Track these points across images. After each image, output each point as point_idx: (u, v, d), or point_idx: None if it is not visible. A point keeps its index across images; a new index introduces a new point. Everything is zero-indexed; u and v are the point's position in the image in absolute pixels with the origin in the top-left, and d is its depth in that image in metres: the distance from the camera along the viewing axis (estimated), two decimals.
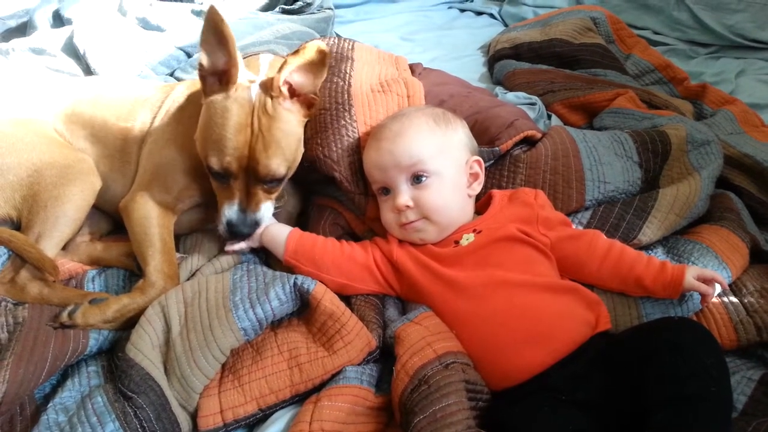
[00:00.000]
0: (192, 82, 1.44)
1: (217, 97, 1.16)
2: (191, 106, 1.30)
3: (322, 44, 1.15)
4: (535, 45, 2.09)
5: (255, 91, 1.17)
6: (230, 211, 1.19)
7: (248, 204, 1.19)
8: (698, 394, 0.80)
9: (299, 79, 1.19)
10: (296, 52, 1.14)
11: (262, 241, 1.23)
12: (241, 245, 1.24)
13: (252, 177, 1.17)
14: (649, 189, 1.29)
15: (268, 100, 1.16)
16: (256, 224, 1.20)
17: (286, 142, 1.18)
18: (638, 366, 0.87)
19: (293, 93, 1.21)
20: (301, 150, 1.26)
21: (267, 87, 1.17)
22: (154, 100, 1.42)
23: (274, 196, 1.24)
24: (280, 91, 1.17)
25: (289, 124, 1.19)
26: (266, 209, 1.22)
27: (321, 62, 1.17)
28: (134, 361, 0.99)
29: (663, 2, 2.44)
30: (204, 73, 1.18)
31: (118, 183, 1.37)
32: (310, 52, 1.14)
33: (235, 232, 1.19)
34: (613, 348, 0.97)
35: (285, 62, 1.15)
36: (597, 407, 0.89)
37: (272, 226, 1.23)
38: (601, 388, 0.91)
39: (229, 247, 1.24)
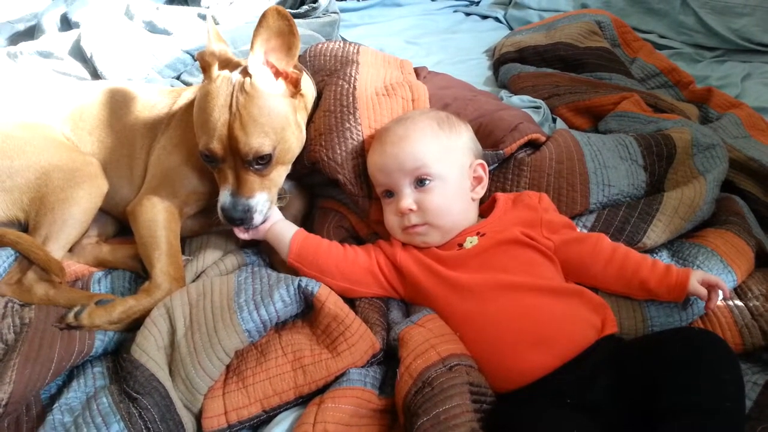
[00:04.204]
0: (198, 87, 1.45)
1: (203, 84, 1.20)
2: None
3: (279, 7, 1.13)
4: (540, 48, 2.09)
5: (236, 75, 1.18)
6: (223, 197, 1.19)
7: (239, 189, 1.18)
8: (713, 408, 0.80)
9: (275, 56, 1.19)
10: (258, 24, 1.13)
11: (267, 237, 1.23)
12: (244, 234, 1.23)
13: (239, 159, 1.16)
14: (653, 192, 1.29)
15: (247, 79, 1.16)
16: (249, 210, 1.18)
17: (267, 119, 1.16)
18: (654, 373, 0.87)
19: (278, 73, 1.21)
20: (293, 130, 1.23)
21: (247, 70, 1.18)
22: (161, 106, 1.43)
23: (271, 185, 1.22)
24: (259, 69, 1.17)
25: (269, 102, 1.17)
26: (261, 198, 1.20)
27: (290, 31, 1.15)
28: (139, 362, 0.99)
29: (668, 6, 2.44)
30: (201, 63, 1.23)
31: (124, 187, 1.38)
32: (272, 20, 1.12)
33: (228, 217, 1.18)
34: (624, 352, 0.96)
35: (253, 38, 1.14)
36: (602, 411, 0.89)
37: (279, 223, 1.23)
38: (608, 391, 0.90)
39: (237, 232, 1.24)
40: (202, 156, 1.19)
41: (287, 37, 1.16)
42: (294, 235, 1.20)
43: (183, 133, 1.33)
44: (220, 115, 1.14)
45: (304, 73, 1.29)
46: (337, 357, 1.01)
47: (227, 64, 1.22)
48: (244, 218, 1.18)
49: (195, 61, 2.22)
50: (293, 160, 1.27)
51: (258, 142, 1.14)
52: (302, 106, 1.31)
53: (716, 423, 0.79)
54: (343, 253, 1.18)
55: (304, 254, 1.17)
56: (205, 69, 1.21)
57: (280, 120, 1.19)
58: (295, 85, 1.24)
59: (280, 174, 1.24)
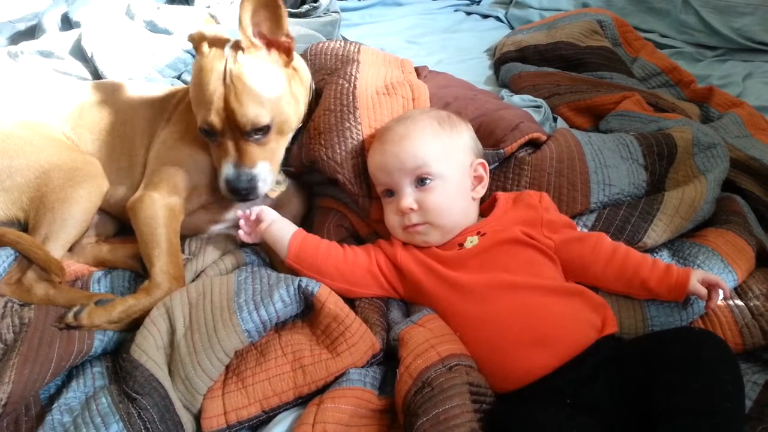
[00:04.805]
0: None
1: (196, 60, 1.23)
2: None
3: None
4: (541, 48, 2.09)
5: (228, 49, 1.20)
6: (226, 169, 1.21)
7: (241, 160, 1.20)
8: (713, 408, 0.80)
9: (266, 26, 1.20)
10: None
11: (264, 237, 1.22)
12: (246, 237, 1.24)
13: (237, 131, 1.18)
14: (654, 192, 1.29)
15: (239, 52, 1.18)
16: (252, 179, 1.20)
17: (262, 89, 1.18)
18: (654, 373, 0.87)
19: (270, 44, 1.22)
20: (289, 100, 1.25)
21: (238, 44, 1.20)
22: (161, 104, 1.43)
23: (271, 155, 1.24)
24: (250, 41, 1.19)
25: (263, 72, 1.20)
26: (264, 167, 1.22)
27: (274, 3, 1.16)
28: (138, 362, 0.99)
29: (670, 5, 2.43)
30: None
31: (125, 186, 1.37)
32: None
33: (234, 189, 1.20)
34: (624, 352, 0.96)
35: (240, 12, 1.16)
36: (603, 411, 0.89)
37: (277, 222, 1.22)
38: (608, 391, 0.90)
39: (239, 234, 1.25)
40: (201, 131, 1.22)
41: (273, 8, 1.17)
42: (293, 235, 1.19)
43: (185, 128, 1.33)
44: (215, 89, 1.16)
45: (296, 54, 1.30)
46: (336, 357, 1.01)
47: (218, 40, 1.24)
48: (249, 188, 1.20)
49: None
50: (292, 131, 1.30)
51: (254, 112, 1.16)
52: (297, 80, 1.32)
53: (716, 423, 0.79)
54: (343, 254, 1.17)
55: (302, 255, 1.17)
56: (197, 47, 1.23)
57: (274, 89, 1.21)
58: (287, 54, 1.25)
59: (279, 145, 1.27)
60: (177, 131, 1.34)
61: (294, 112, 1.28)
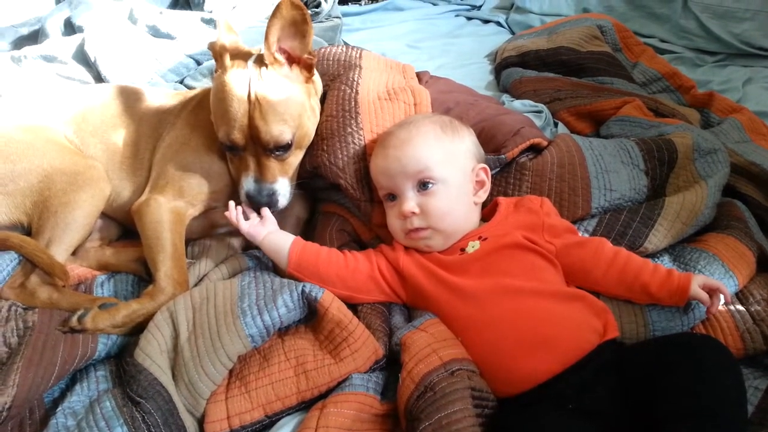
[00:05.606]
0: (205, 89, 1.46)
1: (218, 74, 1.24)
2: (204, 112, 1.32)
3: None
4: (542, 53, 2.10)
5: (251, 64, 1.22)
6: (247, 183, 1.24)
7: (262, 175, 1.23)
8: (714, 412, 0.80)
9: (289, 44, 1.22)
10: (273, 15, 1.16)
11: (262, 247, 1.21)
12: (245, 226, 1.22)
13: (260, 147, 1.21)
14: (655, 197, 1.29)
15: (263, 69, 1.20)
16: (273, 194, 1.24)
17: (285, 107, 1.20)
18: (655, 378, 0.87)
19: (292, 60, 1.24)
20: (309, 116, 1.28)
21: (261, 58, 1.22)
22: (166, 108, 1.44)
23: (289, 169, 1.27)
24: (274, 58, 1.21)
25: (287, 90, 1.22)
26: (284, 182, 1.26)
27: (303, 20, 1.18)
28: (142, 366, 0.99)
29: (670, 10, 2.44)
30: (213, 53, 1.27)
31: (128, 190, 1.38)
32: (286, 11, 1.16)
33: (254, 202, 1.24)
34: (626, 357, 0.96)
35: (267, 28, 1.17)
36: (605, 416, 0.89)
37: (274, 233, 1.22)
38: (610, 396, 0.91)
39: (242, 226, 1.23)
40: (222, 145, 1.24)
41: (301, 25, 1.19)
42: (292, 244, 1.18)
43: (190, 132, 1.33)
44: (239, 106, 1.18)
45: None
46: (340, 363, 1.02)
47: (238, 53, 1.25)
48: (270, 202, 1.24)
49: (198, 65, 2.23)
50: (309, 144, 1.32)
51: (278, 130, 1.19)
52: (314, 93, 1.35)
53: (718, 428, 0.79)
54: (344, 261, 1.17)
55: (304, 264, 1.16)
56: (217, 59, 1.25)
57: (297, 107, 1.24)
58: (309, 70, 1.28)
59: (297, 158, 1.29)
60: (183, 135, 1.34)
61: (313, 126, 1.31)
